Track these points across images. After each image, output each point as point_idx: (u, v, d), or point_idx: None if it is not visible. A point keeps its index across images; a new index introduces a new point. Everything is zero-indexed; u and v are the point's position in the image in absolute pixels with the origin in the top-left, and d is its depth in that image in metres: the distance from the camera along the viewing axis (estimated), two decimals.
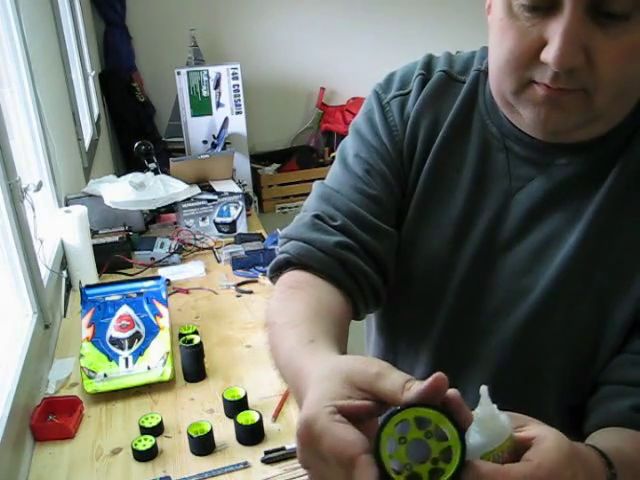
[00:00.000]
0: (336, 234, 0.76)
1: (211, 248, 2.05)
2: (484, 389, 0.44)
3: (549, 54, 0.62)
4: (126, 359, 1.33)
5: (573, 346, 0.74)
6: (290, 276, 0.76)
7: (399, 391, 0.46)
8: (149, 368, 1.32)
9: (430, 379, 0.45)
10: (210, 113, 4.48)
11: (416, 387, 0.46)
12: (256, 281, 1.82)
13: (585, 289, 0.72)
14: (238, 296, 1.74)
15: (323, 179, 0.84)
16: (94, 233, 1.94)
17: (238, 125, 4.54)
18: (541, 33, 0.63)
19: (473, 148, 0.78)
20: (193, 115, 4.46)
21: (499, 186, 0.76)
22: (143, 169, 2.33)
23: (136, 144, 2.41)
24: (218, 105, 4.50)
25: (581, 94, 0.64)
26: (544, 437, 0.46)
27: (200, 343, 1.34)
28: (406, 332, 0.86)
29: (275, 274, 0.79)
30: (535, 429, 0.47)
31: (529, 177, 0.75)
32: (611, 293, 0.71)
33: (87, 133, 3.14)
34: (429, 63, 0.83)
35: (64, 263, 1.81)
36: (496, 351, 0.77)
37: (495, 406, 0.44)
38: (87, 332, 1.40)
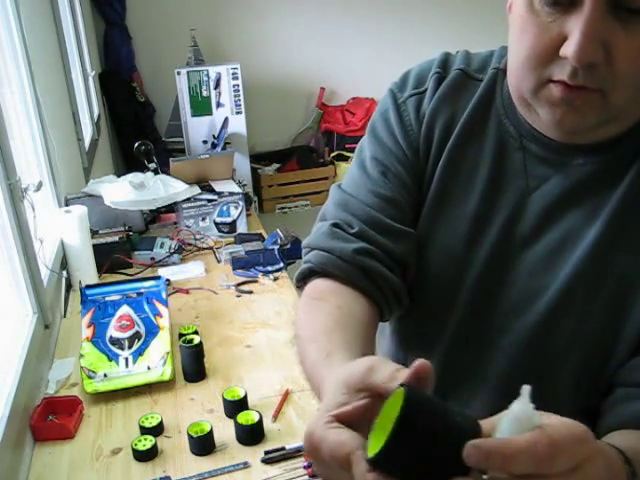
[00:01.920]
0: (355, 241, 0.76)
1: (211, 248, 2.05)
2: (526, 388, 0.43)
3: (569, 49, 0.62)
4: (126, 359, 1.33)
5: (588, 346, 0.73)
6: (313, 286, 0.78)
7: (388, 381, 0.48)
8: (149, 368, 1.32)
9: (412, 366, 0.46)
10: (210, 113, 4.48)
11: (402, 375, 0.47)
12: (256, 281, 1.82)
13: (601, 288, 0.72)
14: (238, 296, 1.74)
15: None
16: (94, 233, 1.94)
17: (238, 125, 4.53)
18: (561, 29, 0.63)
19: (489, 146, 0.78)
20: (193, 115, 4.46)
21: (515, 185, 0.76)
22: (143, 169, 2.33)
23: (136, 144, 2.41)
24: (218, 105, 4.49)
25: (597, 95, 0.64)
26: (550, 416, 0.46)
27: (200, 343, 1.34)
28: (420, 329, 0.86)
29: (301, 283, 0.81)
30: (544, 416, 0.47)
31: (546, 176, 0.75)
32: (627, 292, 0.71)
33: (87, 133, 3.13)
34: (446, 61, 0.83)
35: (64, 263, 1.81)
36: (511, 349, 0.76)
37: (532, 406, 0.44)
38: (87, 332, 1.40)
